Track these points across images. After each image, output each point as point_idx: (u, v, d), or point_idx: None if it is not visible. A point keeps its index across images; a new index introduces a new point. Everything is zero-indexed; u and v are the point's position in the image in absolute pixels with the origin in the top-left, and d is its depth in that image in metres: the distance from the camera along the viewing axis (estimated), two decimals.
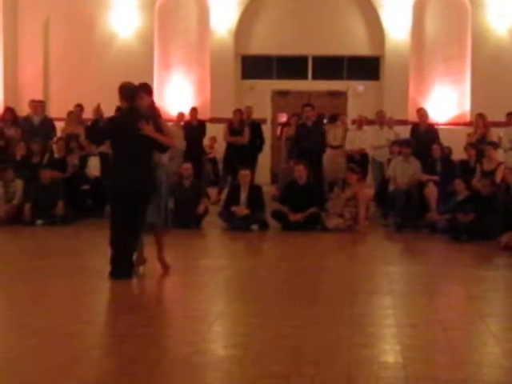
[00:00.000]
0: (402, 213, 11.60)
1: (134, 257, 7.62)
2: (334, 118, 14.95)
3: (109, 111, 14.03)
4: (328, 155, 13.88)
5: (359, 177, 11.83)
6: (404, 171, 12.12)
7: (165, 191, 7.83)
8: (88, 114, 14.56)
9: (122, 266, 7.42)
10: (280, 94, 17.11)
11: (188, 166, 12.09)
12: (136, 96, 7.41)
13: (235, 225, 11.27)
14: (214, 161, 15.99)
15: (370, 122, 14.79)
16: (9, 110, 14.30)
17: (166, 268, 7.84)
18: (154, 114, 7.57)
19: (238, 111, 14.47)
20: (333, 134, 14.17)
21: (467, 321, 6.20)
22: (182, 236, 8.71)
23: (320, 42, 16.58)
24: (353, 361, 4.84)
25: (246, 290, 7.31)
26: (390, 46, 16.39)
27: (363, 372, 4.65)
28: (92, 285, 7.39)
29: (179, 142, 13.17)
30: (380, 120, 14.12)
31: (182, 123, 15.12)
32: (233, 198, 11.65)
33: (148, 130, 7.32)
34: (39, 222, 11.54)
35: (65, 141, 13.34)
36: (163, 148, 7.60)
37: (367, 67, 17.09)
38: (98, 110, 11.91)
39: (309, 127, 13.31)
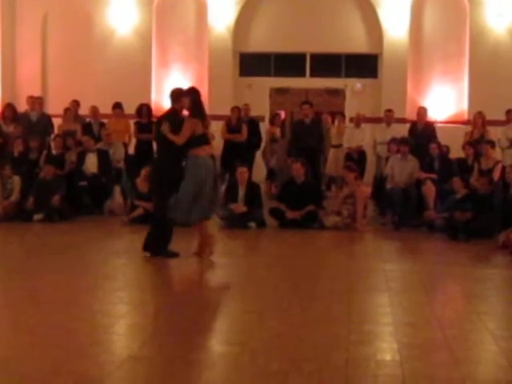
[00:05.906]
0: (400, 211, 11.59)
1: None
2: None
3: (106, 108, 14.13)
4: (332, 153, 14.15)
5: (356, 175, 11.80)
6: (402, 169, 12.09)
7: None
8: (84, 111, 14.60)
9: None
10: (278, 92, 17.10)
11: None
12: (176, 99, 8.49)
13: (232, 222, 11.25)
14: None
15: (368, 120, 14.80)
16: (9, 106, 14.23)
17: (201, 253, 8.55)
18: (191, 114, 8.35)
19: (235, 108, 14.46)
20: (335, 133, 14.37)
21: (464, 319, 6.21)
22: (178, 234, 8.70)
23: (318, 40, 16.56)
24: (350, 359, 4.85)
25: (244, 288, 7.31)
26: (388, 44, 16.38)
27: (360, 370, 4.66)
28: (89, 282, 7.39)
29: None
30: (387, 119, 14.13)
31: None
32: (230, 195, 11.63)
33: (163, 128, 8.29)
34: (37, 217, 11.51)
35: (62, 137, 13.29)
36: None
37: (365, 65, 17.08)
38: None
39: (307, 125, 13.30)
